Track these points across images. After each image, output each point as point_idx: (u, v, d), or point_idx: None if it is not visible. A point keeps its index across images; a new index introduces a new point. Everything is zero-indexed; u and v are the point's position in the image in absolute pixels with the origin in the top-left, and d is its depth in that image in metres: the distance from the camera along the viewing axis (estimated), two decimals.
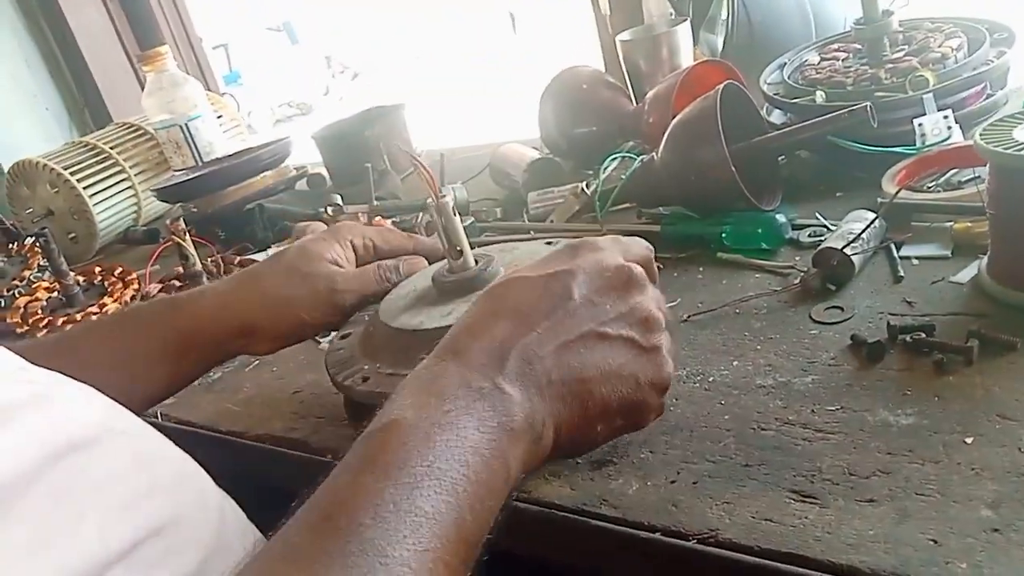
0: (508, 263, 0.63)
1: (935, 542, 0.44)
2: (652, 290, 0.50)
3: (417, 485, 0.38)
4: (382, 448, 0.40)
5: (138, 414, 0.50)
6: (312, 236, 0.71)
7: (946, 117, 0.82)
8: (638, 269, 0.49)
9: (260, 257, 1.11)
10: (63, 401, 0.43)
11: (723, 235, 0.81)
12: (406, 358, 0.56)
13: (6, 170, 1.40)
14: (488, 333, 0.45)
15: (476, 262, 0.61)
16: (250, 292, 0.66)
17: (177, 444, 0.50)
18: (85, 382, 0.53)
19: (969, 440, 0.50)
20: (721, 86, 0.83)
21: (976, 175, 0.76)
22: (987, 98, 0.88)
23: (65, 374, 0.49)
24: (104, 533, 0.38)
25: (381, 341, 0.60)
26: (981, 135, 0.60)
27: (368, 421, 0.57)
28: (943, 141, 0.81)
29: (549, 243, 0.66)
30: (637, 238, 0.54)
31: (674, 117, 0.89)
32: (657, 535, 0.50)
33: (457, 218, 0.60)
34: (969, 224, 0.69)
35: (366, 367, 0.59)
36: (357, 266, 0.69)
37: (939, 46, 0.91)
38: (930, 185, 0.79)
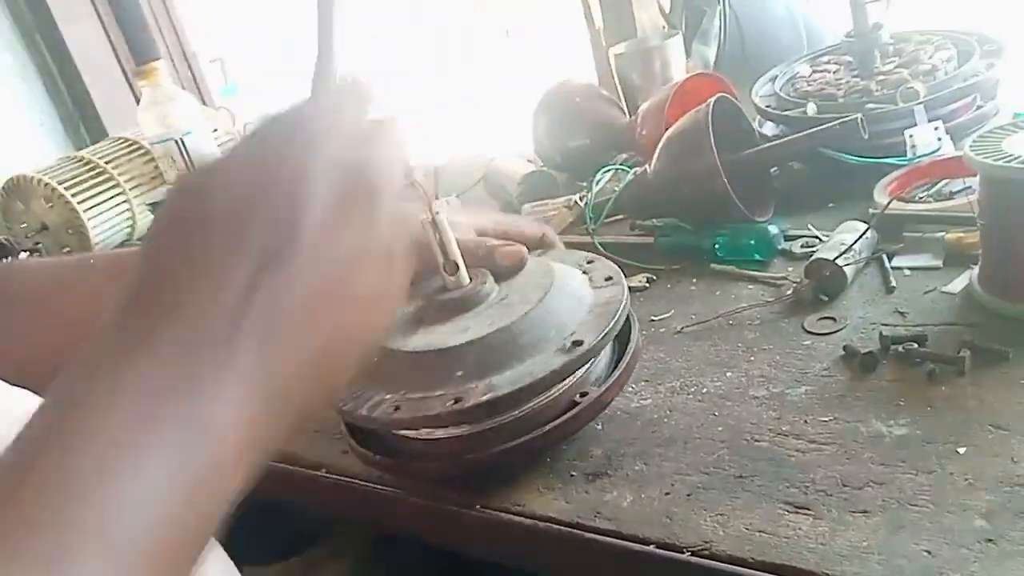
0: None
1: (929, 553, 0.44)
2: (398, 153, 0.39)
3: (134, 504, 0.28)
4: (54, 468, 0.29)
5: None
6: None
7: (936, 128, 0.82)
8: (387, 137, 0.38)
9: None
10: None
11: (716, 246, 0.81)
12: (436, 379, 0.55)
13: (0, 185, 1.40)
14: (193, 295, 0.32)
15: (471, 278, 0.61)
16: None
17: None
18: None
19: (962, 450, 0.50)
20: (713, 99, 0.84)
21: (967, 186, 0.76)
22: (977, 109, 0.89)
23: None
24: None
25: (397, 367, 0.58)
26: (971, 147, 0.60)
27: (378, 451, 0.56)
28: (934, 152, 0.82)
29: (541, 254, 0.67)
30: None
31: (667, 130, 0.89)
32: (652, 548, 0.50)
33: (452, 233, 0.60)
34: (960, 234, 0.69)
35: (388, 396, 0.57)
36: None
37: (929, 58, 0.91)
38: (921, 196, 0.80)
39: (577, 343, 0.56)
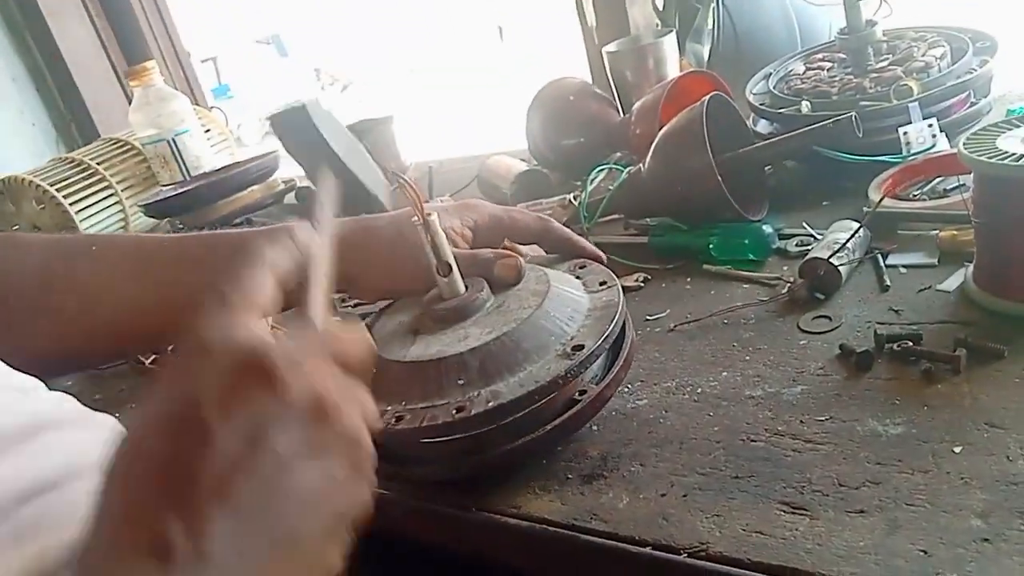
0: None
1: (925, 552, 0.44)
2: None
3: None
4: None
5: None
6: (442, 205, 0.68)
7: (931, 125, 0.82)
8: (276, 348, 0.34)
9: None
10: (57, 429, 0.43)
11: (710, 246, 0.81)
12: (438, 388, 0.55)
13: None
14: (126, 530, 0.32)
15: (466, 287, 0.61)
16: (357, 247, 0.64)
17: None
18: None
19: (958, 449, 0.50)
20: (707, 97, 0.84)
21: (961, 183, 0.76)
22: (971, 106, 0.89)
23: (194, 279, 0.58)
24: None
25: (396, 377, 0.58)
26: (965, 144, 0.60)
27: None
28: (928, 149, 0.82)
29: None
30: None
31: (661, 128, 0.89)
32: (648, 549, 0.50)
33: (443, 234, 0.59)
34: (955, 232, 0.69)
35: (388, 407, 0.56)
36: (474, 247, 0.67)
37: (923, 55, 0.91)
38: (916, 194, 0.80)
39: (577, 348, 0.56)
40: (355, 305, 0.92)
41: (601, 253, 0.69)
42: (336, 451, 0.35)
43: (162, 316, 0.65)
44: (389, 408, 0.56)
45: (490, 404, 0.54)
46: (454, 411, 0.54)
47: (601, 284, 0.63)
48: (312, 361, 0.35)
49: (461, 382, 0.55)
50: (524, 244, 0.68)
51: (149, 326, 0.65)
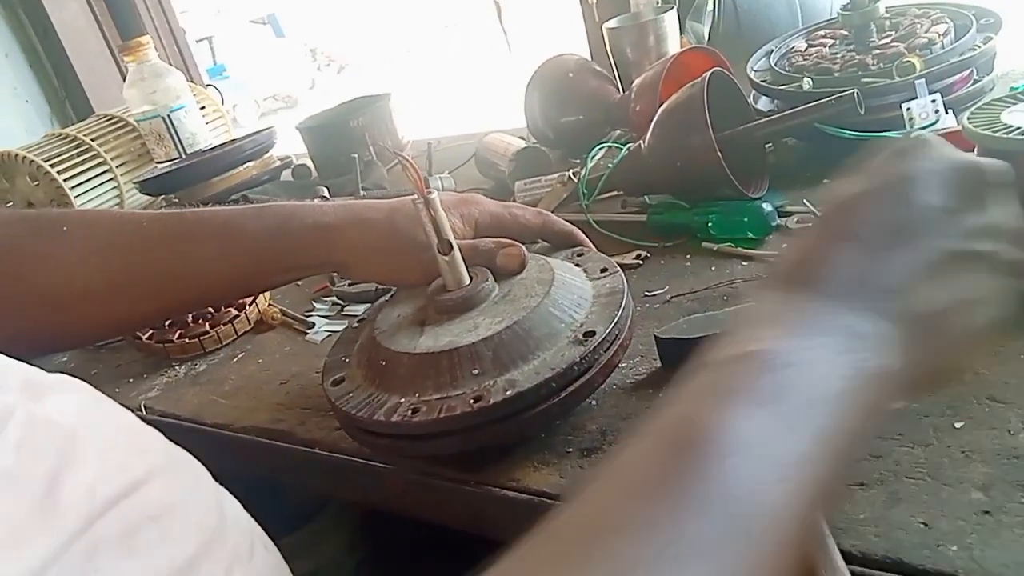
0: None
1: (926, 525, 0.43)
2: (1004, 191, 0.42)
3: (791, 427, 0.32)
4: (727, 380, 0.34)
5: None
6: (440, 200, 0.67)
7: (934, 101, 0.82)
8: (991, 165, 0.41)
9: None
10: (59, 392, 0.42)
11: (709, 224, 0.80)
12: (452, 379, 0.55)
13: None
14: (841, 262, 0.38)
15: (471, 277, 0.61)
16: (352, 236, 0.64)
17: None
18: (193, 277, 0.64)
19: (959, 424, 0.50)
20: (708, 73, 0.83)
21: None
22: (974, 83, 0.88)
23: (168, 266, 0.63)
24: (104, 516, 0.37)
25: (407, 370, 0.57)
26: (969, 119, 0.60)
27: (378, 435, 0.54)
28: (931, 125, 0.81)
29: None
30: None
31: (661, 105, 0.88)
32: None
33: (443, 212, 0.59)
34: None
35: (402, 400, 0.56)
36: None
37: (926, 32, 0.91)
38: None
39: (589, 334, 0.56)
40: (350, 284, 0.91)
41: (544, 221, 0.70)
42: (1002, 269, 0.40)
43: (132, 296, 0.65)
44: (403, 401, 0.56)
45: (508, 392, 0.53)
46: (471, 401, 0.54)
47: (603, 271, 0.64)
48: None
49: (476, 372, 0.55)
50: (525, 242, 0.67)
51: (120, 306, 0.66)
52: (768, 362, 0.34)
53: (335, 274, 0.93)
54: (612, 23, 1.18)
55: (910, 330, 0.37)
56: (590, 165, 0.96)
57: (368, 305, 0.84)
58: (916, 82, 0.82)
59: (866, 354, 0.35)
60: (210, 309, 0.92)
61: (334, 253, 0.65)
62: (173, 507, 0.42)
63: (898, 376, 0.36)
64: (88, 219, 0.68)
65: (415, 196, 0.58)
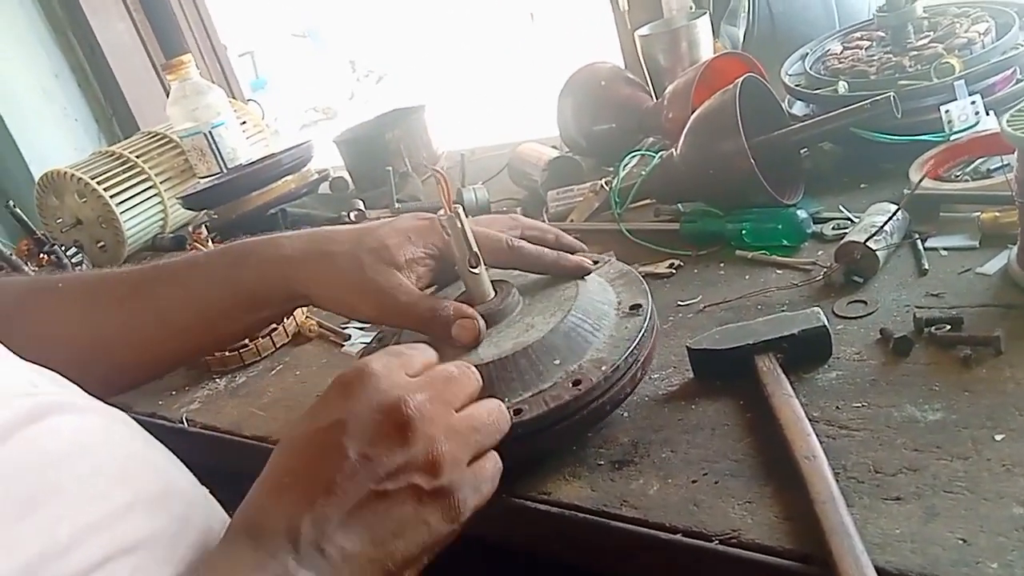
0: (521, 285, 0.64)
1: (964, 541, 0.42)
2: (438, 413, 0.46)
3: None
4: None
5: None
6: (403, 227, 0.64)
7: (973, 103, 0.80)
8: (415, 401, 0.46)
9: None
10: (61, 413, 0.44)
11: (743, 232, 0.80)
12: (538, 373, 0.56)
13: (36, 181, 1.43)
14: (276, 509, 0.43)
15: (496, 292, 0.61)
16: (315, 269, 0.63)
17: (200, 450, 0.50)
18: (162, 325, 0.65)
19: (999, 436, 0.48)
20: (741, 79, 0.82)
21: (1005, 163, 0.74)
22: (1017, 83, 0.86)
23: (140, 318, 0.64)
24: (73, 547, 0.38)
25: (486, 381, 0.55)
26: (1009, 121, 0.58)
27: None
28: (970, 128, 0.79)
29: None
30: (417, 344, 0.52)
31: (694, 112, 0.88)
32: (679, 536, 0.49)
33: (470, 226, 0.59)
34: (997, 214, 0.67)
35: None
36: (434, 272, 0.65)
37: (965, 31, 0.89)
38: (958, 175, 0.77)
39: (635, 306, 0.60)
40: None
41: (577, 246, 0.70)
42: (437, 499, 0.45)
43: (118, 349, 0.67)
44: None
45: (604, 369, 0.55)
46: (571, 384, 0.55)
47: (594, 263, 0.67)
48: (436, 410, 0.46)
49: (557, 361, 0.56)
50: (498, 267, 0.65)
51: (114, 359, 0.67)
52: None
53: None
54: (644, 30, 1.18)
55: (351, 569, 0.42)
56: (623, 174, 0.96)
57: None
58: (955, 83, 0.80)
59: None
60: None
61: (295, 286, 0.64)
62: (151, 541, 0.42)
63: None
64: (81, 276, 0.71)
65: (441, 212, 0.59)
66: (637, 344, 0.57)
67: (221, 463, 0.53)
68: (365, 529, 0.43)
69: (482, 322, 0.59)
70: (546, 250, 0.65)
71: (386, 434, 0.45)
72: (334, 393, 0.47)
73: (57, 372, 0.51)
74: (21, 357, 0.50)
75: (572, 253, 0.67)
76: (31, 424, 0.41)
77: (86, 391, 0.53)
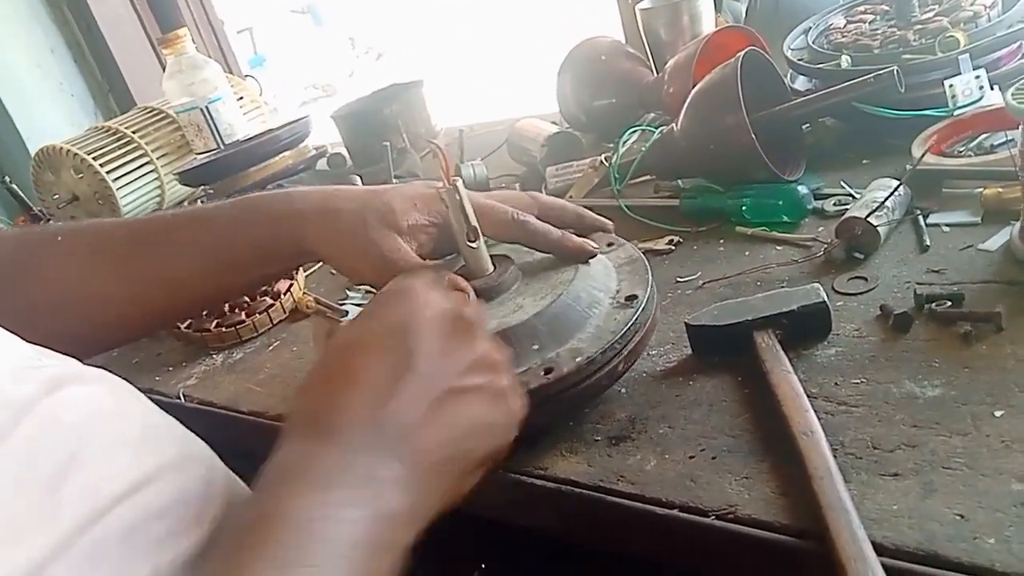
0: (525, 263, 0.63)
1: (962, 517, 0.42)
2: (482, 327, 0.49)
3: None
4: (261, 543, 0.37)
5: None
6: (411, 194, 0.63)
7: (978, 77, 0.79)
8: (469, 311, 0.48)
9: None
10: (72, 384, 0.43)
11: (743, 208, 0.79)
12: (515, 356, 0.55)
13: (32, 156, 1.42)
14: (350, 410, 0.43)
15: (495, 267, 0.60)
16: (323, 225, 0.62)
17: (197, 425, 0.50)
18: (167, 280, 0.64)
19: (999, 412, 0.48)
20: (742, 53, 0.81)
21: (1009, 139, 0.73)
22: (1022, 58, 0.84)
23: (155, 270, 0.63)
24: (102, 514, 0.38)
25: None
26: (1014, 95, 0.57)
27: None
28: (975, 103, 0.78)
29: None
30: (439, 267, 0.54)
31: (694, 86, 0.87)
32: (675, 511, 0.49)
33: (468, 200, 0.58)
34: (1000, 190, 0.66)
35: None
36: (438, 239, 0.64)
37: (971, 4, 0.87)
38: (961, 150, 0.76)
39: (631, 297, 0.58)
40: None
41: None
42: (499, 402, 0.46)
43: (122, 300, 0.65)
44: None
45: (578, 360, 0.54)
46: (542, 372, 0.54)
47: (609, 245, 0.65)
48: (483, 319, 0.49)
49: (536, 347, 0.56)
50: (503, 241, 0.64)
51: (117, 311, 0.65)
52: (293, 522, 0.38)
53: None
54: (645, 3, 1.16)
55: (420, 469, 0.42)
56: (622, 149, 0.95)
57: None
58: (960, 57, 0.79)
59: (384, 498, 0.40)
60: (246, 298, 0.93)
61: (303, 241, 0.63)
62: (180, 504, 0.42)
63: (410, 514, 0.41)
64: (79, 228, 0.68)
65: (441, 184, 0.58)
66: (620, 338, 0.55)
67: (218, 439, 0.53)
68: (444, 427, 0.44)
69: (474, 296, 0.58)
70: (553, 228, 0.63)
71: (454, 334, 0.46)
72: (387, 299, 0.49)
73: (51, 325, 0.51)
74: (17, 312, 0.49)
75: (593, 233, 0.66)
76: (47, 396, 0.41)
77: (82, 344, 0.52)
